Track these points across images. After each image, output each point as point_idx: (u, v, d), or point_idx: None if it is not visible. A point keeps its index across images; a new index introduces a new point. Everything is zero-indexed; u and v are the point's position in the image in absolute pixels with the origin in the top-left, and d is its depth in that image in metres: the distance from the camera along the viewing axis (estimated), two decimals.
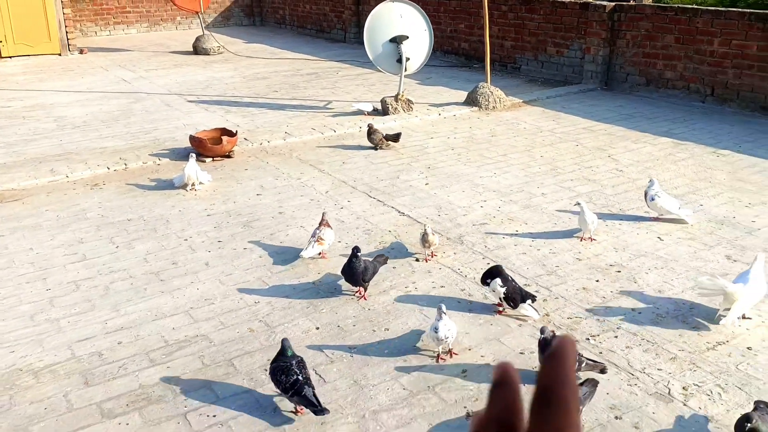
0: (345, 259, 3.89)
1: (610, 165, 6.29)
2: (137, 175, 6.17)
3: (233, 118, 8.15)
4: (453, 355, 3.33)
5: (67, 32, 12.82)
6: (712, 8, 8.80)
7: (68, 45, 12.87)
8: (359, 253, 3.77)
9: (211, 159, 6.54)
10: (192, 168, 5.65)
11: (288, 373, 2.82)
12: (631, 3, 9.85)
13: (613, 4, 9.65)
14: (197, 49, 13.30)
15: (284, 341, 2.97)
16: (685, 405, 2.93)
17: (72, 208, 5.36)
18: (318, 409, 2.80)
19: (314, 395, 2.82)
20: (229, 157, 6.68)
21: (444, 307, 3.25)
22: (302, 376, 2.83)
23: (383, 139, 6.87)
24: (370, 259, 3.93)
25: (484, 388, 3.08)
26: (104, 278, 4.18)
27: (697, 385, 3.06)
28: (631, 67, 9.39)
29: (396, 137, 6.94)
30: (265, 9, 18.35)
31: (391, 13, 8.37)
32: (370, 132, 6.91)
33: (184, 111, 8.60)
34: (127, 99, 9.25)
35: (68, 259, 4.44)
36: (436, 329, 3.21)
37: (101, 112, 8.47)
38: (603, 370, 3.08)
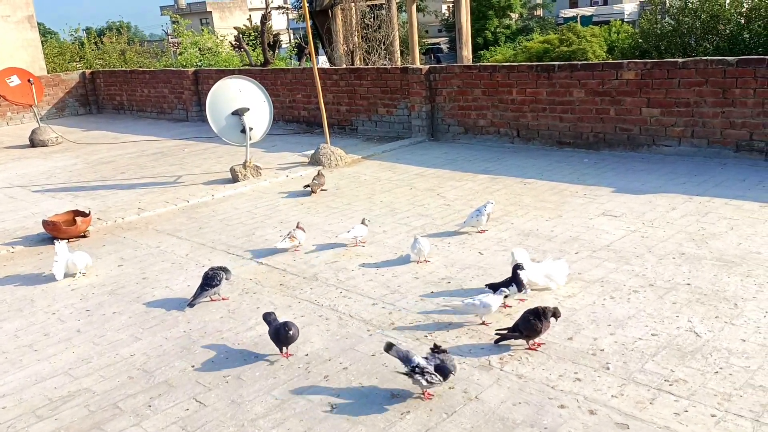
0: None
1: (439, 201, 7.26)
2: None
3: (83, 202, 8.27)
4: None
5: None
6: (507, 64, 10.37)
7: None
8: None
9: (66, 241, 6.67)
10: (78, 256, 5.67)
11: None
12: (443, 65, 11.31)
13: (428, 66, 11.03)
14: (34, 142, 13.12)
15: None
16: (501, 370, 3.70)
17: None
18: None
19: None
20: (84, 236, 6.86)
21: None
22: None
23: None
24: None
25: (344, 387, 3.65)
26: None
27: (510, 354, 3.85)
28: (451, 119, 10.70)
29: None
30: (100, 97, 18.31)
31: (230, 88, 9.02)
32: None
33: (31, 201, 8.58)
34: None
35: None
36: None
37: None
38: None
